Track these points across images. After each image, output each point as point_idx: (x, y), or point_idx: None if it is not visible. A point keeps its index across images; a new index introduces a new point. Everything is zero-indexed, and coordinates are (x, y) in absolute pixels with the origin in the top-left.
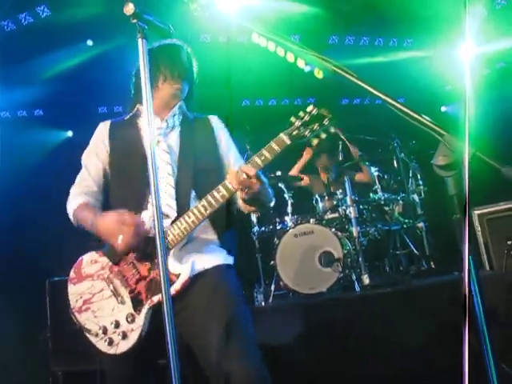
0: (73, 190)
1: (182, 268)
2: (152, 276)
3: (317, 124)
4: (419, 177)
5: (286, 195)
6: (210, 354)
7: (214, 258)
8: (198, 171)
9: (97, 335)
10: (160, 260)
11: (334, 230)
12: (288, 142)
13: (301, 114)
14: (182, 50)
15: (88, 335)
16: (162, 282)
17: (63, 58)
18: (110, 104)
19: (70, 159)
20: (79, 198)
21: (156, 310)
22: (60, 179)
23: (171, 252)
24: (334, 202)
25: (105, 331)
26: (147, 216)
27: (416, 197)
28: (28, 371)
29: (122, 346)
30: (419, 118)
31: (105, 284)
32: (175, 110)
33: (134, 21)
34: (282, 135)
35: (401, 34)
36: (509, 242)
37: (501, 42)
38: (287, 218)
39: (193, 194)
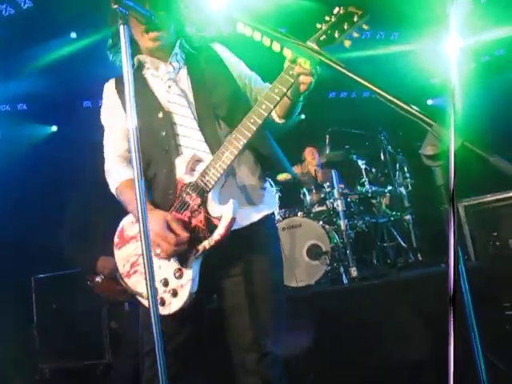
0: (110, 156)
1: (223, 209)
2: (193, 224)
3: (346, 23)
4: (406, 169)
5: (273, 188)
6: (245, 330)
7: (256, 206)
8: (218, 103)
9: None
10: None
11: (321, 223)
12: (316, 48)
13: (326, 18)
14: None
15: (140, 299)
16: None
17: (46, 51)
18: (94, 98)
19: (55, 154)
20: (120, 170)
21: (204, 258)
22: (45, 173)
23: (209, 195)
24: (322, 195)
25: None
26: (181, 161)
27: (403, 189)
28: (15, 368)
29: (175, 305)
30: (408, 108)
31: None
32: (176, 49)
33: (115, 6)
34: (308, 43)
35: (388, 27)
36: (494, 234)
37: (485, 34)
38: (275, 212)
39: (222, 127)
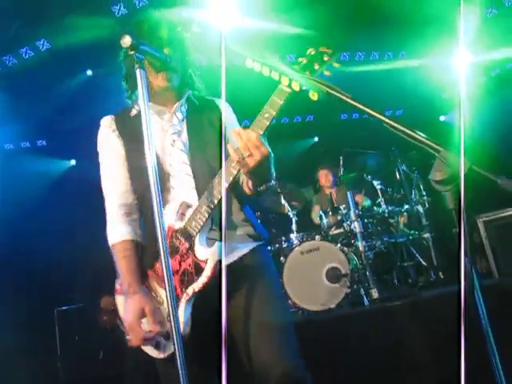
0: (112, 206)
1: (208, 252)
2: (183, 268)
3: (317, 63)
4: (422, 188)
5: (290, 213)
6: (258, 354)
7: (245, 240)
8: (210, 158)
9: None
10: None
11: (339, 245)
12: (288, 90)
13: (299, 59)
14: (159, 26)
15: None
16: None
17: (64, 89)
18: None
19: (74, 187)
20: (122, 226)
21: (195, 301)
22: (64, 208)
23: (196, 239)
24: (339, 218)
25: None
26: (171, 209)
27: (420, 208)
28: None
29: (169, 348)
30: (414, 135)
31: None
32: (183, 100)
33: (132, 52)
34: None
35: (396, 46)
36: None
37: (494, 50)
38: (292, 236)
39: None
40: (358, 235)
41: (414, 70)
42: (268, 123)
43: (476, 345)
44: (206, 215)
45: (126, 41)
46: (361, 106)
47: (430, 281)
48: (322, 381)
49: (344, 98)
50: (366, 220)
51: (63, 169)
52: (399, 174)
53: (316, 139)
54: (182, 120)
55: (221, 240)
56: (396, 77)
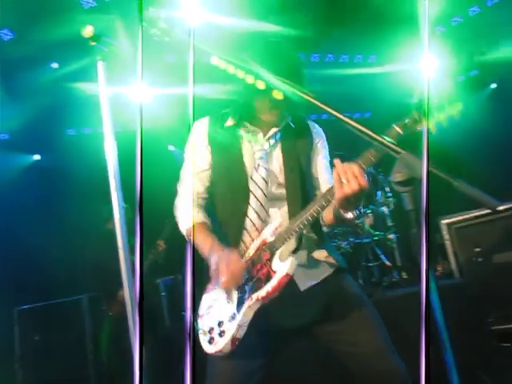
0: (183, 194)
1: (280, 264)
2: (258, 276)
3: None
4: (387, 189)
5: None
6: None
7: (326, 264)
8: (305, 183)
9: (204, 334)
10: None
11: None
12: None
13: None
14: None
15: (200, 336)
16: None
17: (28, 81)
18: (78, 126)
19: (38, 182)
20: (193, 210)
21: (257, 309)
22: (27, 203)
23: (277, 252)
24: None
25: (210, 330)
26: (271, 225)
27: (385, 209)
28: None
29: (219, 344)
30: (376, 136)
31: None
32: (280, 127)
33: (93, 43)
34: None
35: (365, 49)
36: (476, 249)
37: (460, 55)
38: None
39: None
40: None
41: (383, 74)
42: (374, 160)
43: (436, 343)
44: (294, 234)
45: (88, 31)
46: (323, 106)
47: (393, 281)
48: (283, 378)
49: (308, 97)
50: None
51: (27, 163)
52: (366, 175)
53: None
54: (274, 146)
55: (299, 257)
56: (365, 79)
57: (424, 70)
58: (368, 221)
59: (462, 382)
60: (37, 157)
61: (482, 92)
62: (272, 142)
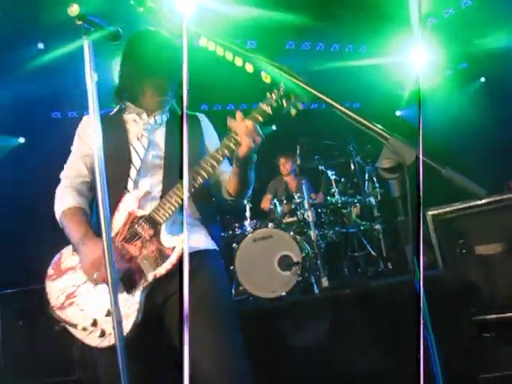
0: (63, 180)
1: (175, 240)
2: (144, 254)
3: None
4: (375, 180)
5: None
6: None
7: (206, 239)
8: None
9: (85, 329)
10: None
11: (292, 233)
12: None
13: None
14: (165, 47)
15: (74, 332)
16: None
17: (13, 62)
18: (63, 109)
19: (23, 165)
20: (69, 196)
21: (152, 289)
22: (11, 186)
23: (162, 227)
24: (292, 206)
25: (94, 323)
26: (133, 196)
27: (372, 199)
28: None
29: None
30: (364, 121)
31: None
32: (166, 109)
33: (79, 22)
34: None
35: (356, 40)
36: (460, 241)
37: (449, 48)
38: (246, 223)
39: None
40: (311, 224)
41: (373, 65)
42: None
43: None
44: (176, 205)
45: (74, 9)
46: (312, 91)
47: (378, 271)
48: (270, 366)
49: (297, 82)
50: (319, 210)
51: (11, 146)
52: (354, 166)
53: (274, 127)
54: (160, 124)
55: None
56: (355, 70)
57: (415, 61)
58: (355, 211)
59: (443, 370)
60: (21, 140)
61: (470, 85)
62: (158, 119)
